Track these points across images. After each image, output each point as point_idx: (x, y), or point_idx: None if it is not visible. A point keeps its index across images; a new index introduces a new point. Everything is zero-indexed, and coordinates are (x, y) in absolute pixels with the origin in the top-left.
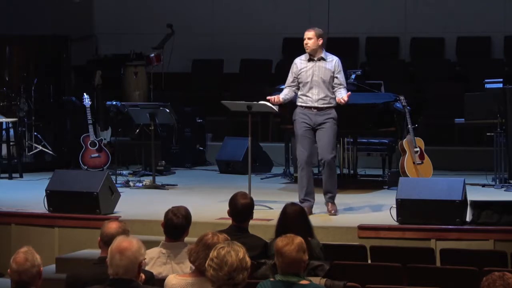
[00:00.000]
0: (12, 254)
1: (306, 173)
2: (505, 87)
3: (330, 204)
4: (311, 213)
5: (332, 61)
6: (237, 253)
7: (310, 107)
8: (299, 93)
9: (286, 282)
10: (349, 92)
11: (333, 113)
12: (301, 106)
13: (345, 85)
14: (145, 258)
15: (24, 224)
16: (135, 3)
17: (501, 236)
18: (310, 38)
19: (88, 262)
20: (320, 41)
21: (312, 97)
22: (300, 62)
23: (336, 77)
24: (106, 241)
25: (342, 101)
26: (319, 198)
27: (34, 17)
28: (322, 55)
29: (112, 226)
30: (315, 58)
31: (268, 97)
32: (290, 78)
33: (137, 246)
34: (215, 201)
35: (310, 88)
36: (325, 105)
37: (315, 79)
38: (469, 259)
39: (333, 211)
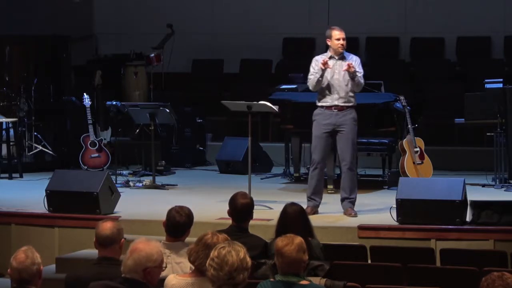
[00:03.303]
0: (12, 254)
1: (317, 173)
2: (505, 87)
3: (349, 209)
4: (315, 212)
5: (352, 59)
6: (238, 253)
7: (330, 107)
8: (319, 92)
9: (286, 282)
10: (353, 67)
11: (353, 114)
12: (321, 106)
13: (362, 75)
14: (165, 267)
15: (24, 224)
16: (135, 3)
17: (501, 236)
18: (345, 38)
19: (88, 262)
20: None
21: (332, 95)
22: (321, 60)
23: (357, 71)
24: (101, 242)
25: (349, 67)
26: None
27: (34, 17)
28: (344, 54)
29: (106, 227)
30: (337, 57)
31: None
32: (312, 71)
33: (149, 251)
34: (215, 201)
35: (330, 86)
36: (345, 104)
37: (336, 77)
38: (469, 259)
39: (353, 214)
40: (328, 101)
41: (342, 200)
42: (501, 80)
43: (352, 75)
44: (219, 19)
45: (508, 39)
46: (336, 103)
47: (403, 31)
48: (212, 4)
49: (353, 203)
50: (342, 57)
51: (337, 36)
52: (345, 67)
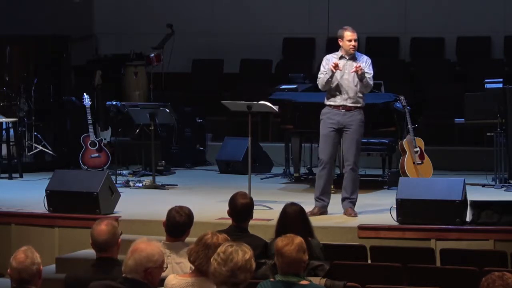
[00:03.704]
0: (12, 254)
1: (326, 173)
2: (505, 87)
3: (349, 209)
4: (322, 213)
5: (363, 59)
6: (244, 253)
7: (338, 106)
8: (327, 91)
9: (286, 282)
10: (362, 68)
11: (361, 115)
12: (329, 106)
13: (371, 77)
14: (165, 267)
15: (24, 224)
16: (135, 3)
17: (501, 236)
18: (356, 39)
19: (88, 262)
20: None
21: (341, 95)
22: (332, 59)
23: (367, 72)
24: (98, 247)
25: (357, 70)
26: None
27: (34, 17)
28: (355, 54)
29: (102, 233)
30: (347, 57)
31: (335, 63)
32: (322, 70)
33: (150, 252)
34: (215, 201)
35: (340, 86)
36: (353, 104)
37: (345, 77)
38: (469, 259)
39: (353, 214)
40: (336, 100)
41: (343, 200)
42: (501, 80)
43: (361, 76)
44: (219, 19)
45: (508, 39)
46: (344, 103)
47: (403, 31)
48: (212, 4)
49: (353, 203)
50: (353, 58)
51: (349, 37)
52: (353, 69)
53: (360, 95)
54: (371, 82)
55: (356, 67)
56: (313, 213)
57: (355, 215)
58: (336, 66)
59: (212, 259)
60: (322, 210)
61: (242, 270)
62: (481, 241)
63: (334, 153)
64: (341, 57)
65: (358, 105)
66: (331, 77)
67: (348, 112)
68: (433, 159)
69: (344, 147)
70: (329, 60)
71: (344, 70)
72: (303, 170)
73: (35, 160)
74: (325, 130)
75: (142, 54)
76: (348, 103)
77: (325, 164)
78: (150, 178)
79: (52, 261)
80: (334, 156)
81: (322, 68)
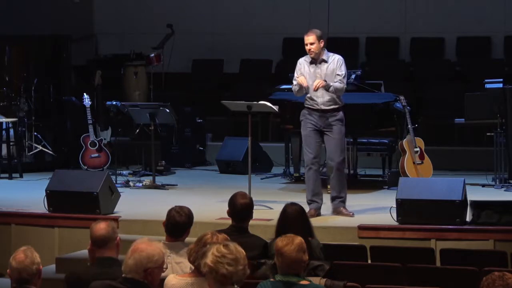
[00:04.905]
0: (12, 254)
1: (313, 174)
2: (505, 87)
3: (342, 208)
4: (318, 214)
5: (334, 60)
6: (240, 249)
7: (316, 109)
8: (306, 95)
9: (286, 282)
10: (323, 82)
11: (340, 115)
12: (308, 108)
13: (343, 78)
14: (165, 267)
15: (24, 224)
16: (135, 3)
17: (501, 236)
18: (313, 43)
19: (88, 262)
20: (322, 43)
21: (317, 100)
22: (304, 64)
23: (338, 74)
24: (98, 243)
25: (315, 87)
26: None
27: (34, 17)
28: (324, 57)
29: (101, 228)
30: (317, 61)
31: (299, 79)
32: (295, 76)
33: (150, 252)
34: (215, 201)
35: (315, 91)
36: (331, 106)
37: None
38: (469, 259)
39: (351, 214)
40: (314, 104)
41: (332, 199)
42: (501, 80)
43: (326, 88)
44: (219, 19)
45: (508, 39)
46: (322, 107)
47: (403, 31)
48: (212, 4)
49: (343, 201)
50: (322, 60)
51: (305, 41)
52: (313, 88)
53: (336, 96)
54: (342, 85)
55: (315, 87)
56: (311, 215)
57: (352, 214)
58: (301, 84)
59: (217, 264)
60: (318, 212)
61: (247, 265)
62: (481, 241)
63: (318, 153)
64: (311, 62)
65: (336, 106)
66: (300, 88)
67: (326, 114)
68: (433, 159)
69: (327, 149)
70: (301, 65)
71: (316, 74)
72: (303, 170)
73: (35, 160)
74: (305, 130)
75: (142, 54)
76: (325, 106)
77: (310, 165)
78: (150, 178)
79: (52, 261)
80: (319, 156)
81: (295, 74)
